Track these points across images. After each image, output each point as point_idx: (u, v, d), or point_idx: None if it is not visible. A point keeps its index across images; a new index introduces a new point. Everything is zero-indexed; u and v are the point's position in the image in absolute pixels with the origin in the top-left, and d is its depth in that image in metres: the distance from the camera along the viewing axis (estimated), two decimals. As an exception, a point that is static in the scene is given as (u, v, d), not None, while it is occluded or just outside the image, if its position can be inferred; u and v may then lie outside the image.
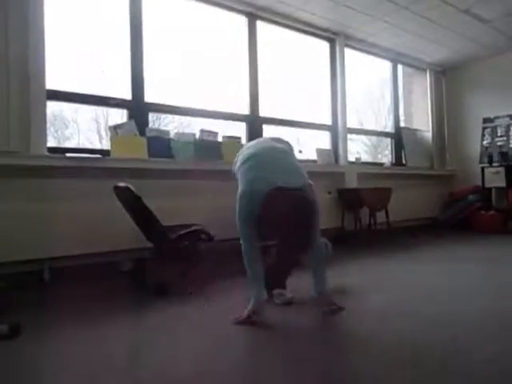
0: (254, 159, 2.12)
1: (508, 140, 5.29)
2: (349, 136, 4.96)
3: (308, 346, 1.63)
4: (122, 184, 2.45)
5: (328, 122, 4.84)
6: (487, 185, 5.28)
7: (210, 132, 3.59)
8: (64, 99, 3.11)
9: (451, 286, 2.48)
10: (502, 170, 5.13)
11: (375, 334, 1.69)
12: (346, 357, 1.53)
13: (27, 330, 1.79)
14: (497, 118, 5.45)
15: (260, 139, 2.60)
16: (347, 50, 4.94)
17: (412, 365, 1.39)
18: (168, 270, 2.58)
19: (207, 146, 3.49)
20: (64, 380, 1.37)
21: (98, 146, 3.89)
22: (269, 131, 4.24)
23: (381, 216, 4.41)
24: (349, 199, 4.42)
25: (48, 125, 2.91)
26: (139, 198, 2.38)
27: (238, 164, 2.23)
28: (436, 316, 1.91)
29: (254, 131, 4.10)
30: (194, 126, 3.92)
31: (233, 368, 1.42)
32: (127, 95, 3.35)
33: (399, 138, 5.70)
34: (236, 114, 4.05)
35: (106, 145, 3.47)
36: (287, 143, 2.48)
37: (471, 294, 2.31)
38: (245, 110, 4.09)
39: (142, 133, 3.23)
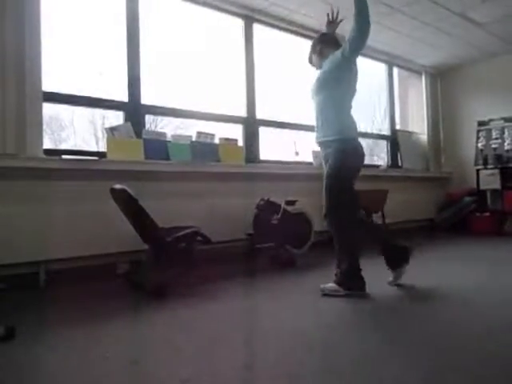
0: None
1: (503, 142, 5.32)
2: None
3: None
4: (118, 186, 2.44)
5: (324, 124, 4.85)
6: (482, 187, 5.31)
7: (206, 134, 3.59)
8: (60, 101, 3.10)
9: (445, 287, 2.49)
10: (496, 172, 5.17)
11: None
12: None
13: (23, 331, 1.78)
14: (491, 120, 5.49)
15: None
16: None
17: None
18: (164, 272, 2.57)
19: (204, 148, 3.49)
20: (60, 381, 1.37)
21: (94, 148, 3.89)
22: (265, 133, 4.26)
23: (377, 218, 4.42)
24: (345, 201, 4.42)
25: (44, 127, 2.91)
26: (136, 200, 2.38)
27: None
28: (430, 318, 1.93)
29: (251, 133, 4.11)
30: (191, 128, 3.93)
31: (230, 368, 1.42)
32: (124, 97, 3.35)
33: (395, 140, 5.73)
34: (233, 116, 4.06)
35: (102, 147, 3.47)
36: None
37: (467, 295, 2.33)
38: (241, 112, 4.10)
39: (138, 135, 3.23)
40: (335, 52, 2.43)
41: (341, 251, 2.38)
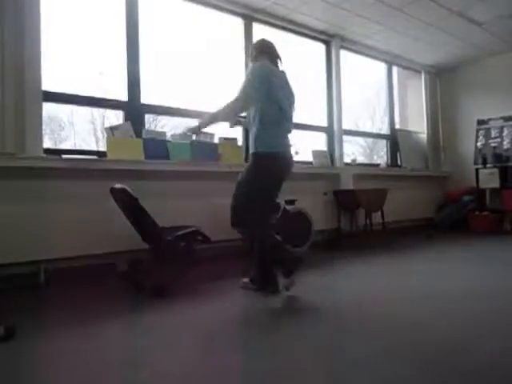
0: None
1: (502, 141, 5.33)
2: (344, 138, 4.98)
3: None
4: (118, 185, 2.44)
5: (324, 123, 4.87)
6: (481, 186, 5.32)
7: (206, 133, 3.59)
8: (60, 101, 3.09)
9: (443, 288, 2.49)
10: (495, 171, 5.18)
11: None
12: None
13: (22, 332, 1.78)
14: (490, 119, 5.50)
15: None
16: (343, 52, 4.97)
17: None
18: (164, 272, 2.57)
19: (203, 148, 3.49)
20: (60, 380, 1.37)
21: (94, 148, 3.89)
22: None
23: (377, 217, 4.43)
24: (345, 200, 4.44)
25: (44, 126, 2.90)
26: (136, 200, 2.38)
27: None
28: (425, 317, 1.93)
29: (251, 133, 4.10)
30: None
31: (228, 366, 1.43)
32: (123, 96, 3.35)
33: (395, 139, 5.73)
34: (232, 116, 4.05)
35: (102, 146, 3.47)
36: None
37: (463, 294, 2.33)
38: (241, 111, 4.09)
39: (138, 134, 3.23)
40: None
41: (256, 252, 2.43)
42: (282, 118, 2.42)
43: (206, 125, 2.58)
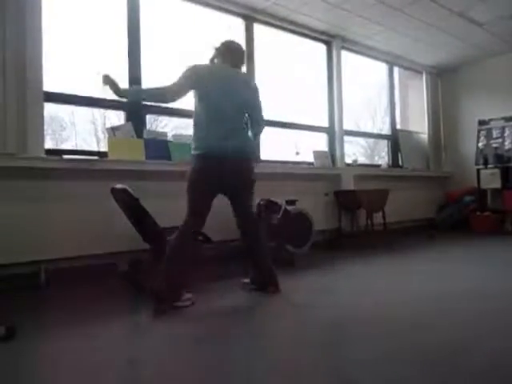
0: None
1: (503, 142, 5.32)
2: (345, 138, 4.98)
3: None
4: (119, 186, 2.45)
5: (325, 124, 4.86)
6: (483, 186, 5.31)
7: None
8: (61, 101, 3.10)
9: (444, 288, 2.49)
10: (497, 171, 5.17)
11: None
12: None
13: (23, 331, 1.79)
14: (492, 120, 5.49)
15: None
16: (344, 53, 4.97)
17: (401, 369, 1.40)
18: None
19: (204, 148, 3.49)
20: (60, 380, 1.37)
21: (95, 148, 3.90)
22: (266, 133, 4.24)
23: (378, 217, 4.42)
24: (346, 201, 4.43)
25: (45, 126, 2.91)
26: (137, 200, 2.38)
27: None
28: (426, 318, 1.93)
29: (251, 133, 4.10)
30: (192, 128, 3.91)
31: (228, 366, 1.43)
32: (124, 97, 3.35)
33: (396, 140, 5.72)
34: (233, 116, 4.05)
35: (103, 147, 3.47)
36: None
37: (464, 295, 2.33)
38: (242, 112, 4.09)
39: (139, 134, 3.23)
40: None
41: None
42: (218, 118, 2.32)
43: (128, 94, 2.35)
